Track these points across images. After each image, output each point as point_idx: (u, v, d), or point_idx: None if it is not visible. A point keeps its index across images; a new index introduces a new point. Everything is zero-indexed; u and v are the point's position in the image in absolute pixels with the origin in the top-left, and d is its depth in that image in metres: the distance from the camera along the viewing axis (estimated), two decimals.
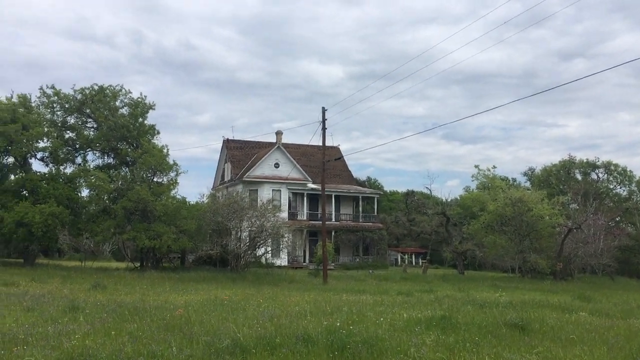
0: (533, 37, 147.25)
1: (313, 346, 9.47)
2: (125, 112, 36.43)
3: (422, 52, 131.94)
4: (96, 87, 35.71)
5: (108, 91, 35.94)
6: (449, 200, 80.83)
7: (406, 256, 67.46)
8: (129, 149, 35.30)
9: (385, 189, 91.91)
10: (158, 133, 37.62)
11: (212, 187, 62.34)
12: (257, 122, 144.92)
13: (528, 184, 68.17)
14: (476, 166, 46.98)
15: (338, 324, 11.19)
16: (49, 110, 35.94)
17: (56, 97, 35.80)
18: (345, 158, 62.88)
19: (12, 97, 34.70)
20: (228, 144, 59.78)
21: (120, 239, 32.54)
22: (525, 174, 71.50)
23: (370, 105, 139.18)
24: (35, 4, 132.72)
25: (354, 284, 33.10)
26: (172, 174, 33.67)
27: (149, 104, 36.49)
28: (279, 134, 58.70)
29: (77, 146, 36.71)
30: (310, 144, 61.98)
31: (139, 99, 36.45)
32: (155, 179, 33.62)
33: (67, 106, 36.17)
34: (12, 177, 34.26)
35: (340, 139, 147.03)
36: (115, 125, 34.10)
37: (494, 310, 16.26)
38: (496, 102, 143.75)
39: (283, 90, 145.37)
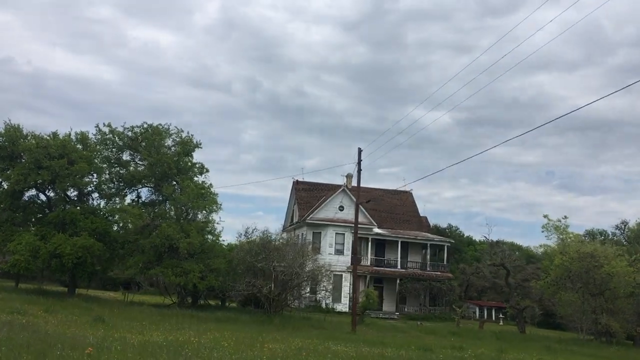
0: None
1: None
2: (173, 151, 37.33)
3: (534, 98, 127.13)
4: (145, 125, 37.03)
5: (157, 129, 37.02)
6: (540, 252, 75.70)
7: (470, 310, 63.34)
8: (172, 186, 35.98)
9: (475, 238, 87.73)
10: (207, 171, 38.13)
11: (282, 228, 62.32)
12: (364, 167, 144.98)
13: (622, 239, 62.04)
14: (545, 216, 43.16)
15: None
16: (103, 147, 37.59)
17: (110, 135, 37.42)
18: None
19: (70, 134, 36.78)
20: (297, 185, 59.76)
21: (147, 274, 32.85)
22: (617, 228, 65.19)
23: (479, 152, 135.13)
24: (164, 55, 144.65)
25: (385, 336, 31.04)
26: (204, 212, 33.82)
27: (196, 142, 37.25)
28: (348, 177, 57.87)
29: (129, 182, 37.86)
30: (381, 187, 61.00)
31: (187, 138, 37.31)
32: (189, 217, 33.93)
33: (121, 143, 37.68)
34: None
35: (447, 186, 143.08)
36: (157, 163, 34.93)
37: None
38: (618, 152, 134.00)
39: (390, 136, 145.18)
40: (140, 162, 37.60)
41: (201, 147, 37.40)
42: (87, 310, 27.32)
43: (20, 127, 34.48)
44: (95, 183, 36.03)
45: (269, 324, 30.44)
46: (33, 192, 36.05)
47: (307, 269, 35.67)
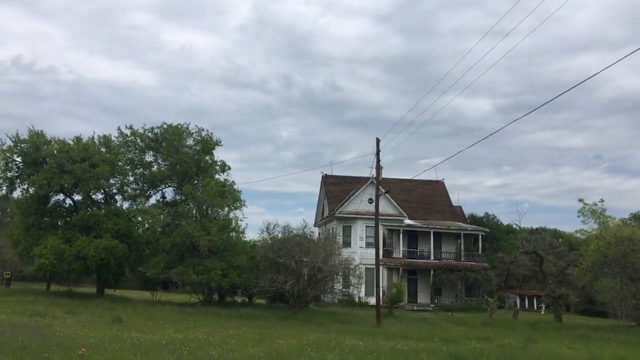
0: None
1: None
2: (194, 150, 37.38)
3: (578, 80, 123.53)
4: (165, 126, 37.15)
5: (177, 129, 37.12)
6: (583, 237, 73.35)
7: (510, 299, 61.80)
8: (194, 185, 36.02)
9: (515, 226, 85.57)
10: (228, 169, 38.08)
11: (314, 223, 61.98)
12: (402, 158, 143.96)
13: None
14: (580, 200, 41.44)
15: None
16: (125, 149, 37.93)
17: (132, 137, 37.74)
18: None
19: (93, 137, 37.32)
20: (326, 179, 59.32)
21: (169, 273, 32.99)
22: None
23: (522, 138, 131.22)
24: (198, 57, 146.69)
25: (411, 328, 30.31)
26: (225, 210, 33.79)
27: (216, 141, 37.26)
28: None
29: (152, 183, 38.11)
30: (413, 178, 59.93)
31: (206, 136, 37.35)
32: (211, 215, 33.92)
33: (142, 145, 37.94)
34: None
35: (489, 174, 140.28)
36: (178, 162, 35.05)
37: None
38: None
39: (429, 126, 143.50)
40: (162, 163, 37.80)
41: (221, 145, 37.50)
42: (109, 311, 27.51)
43: (44, 132, 35.14)
44: (117, 185, 36.39)
45: (293, 320, 30.14)
46: (60, 196, 36.74)
47: (332, 263, 35.19)
